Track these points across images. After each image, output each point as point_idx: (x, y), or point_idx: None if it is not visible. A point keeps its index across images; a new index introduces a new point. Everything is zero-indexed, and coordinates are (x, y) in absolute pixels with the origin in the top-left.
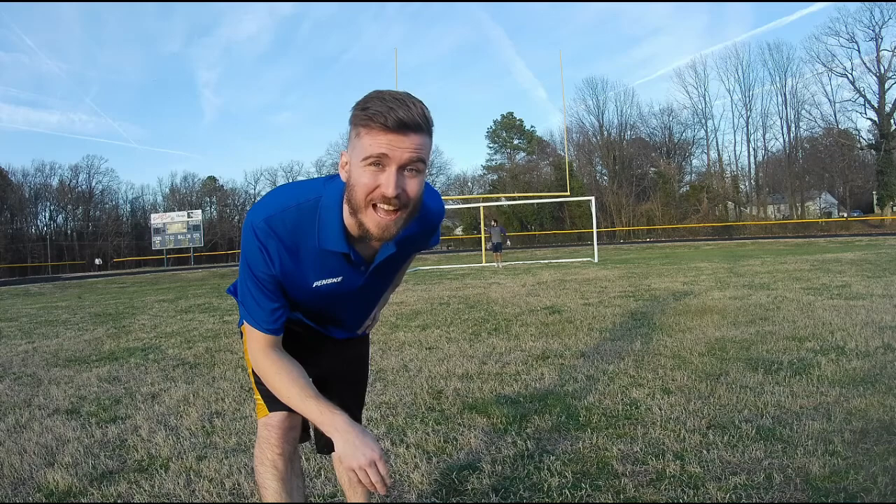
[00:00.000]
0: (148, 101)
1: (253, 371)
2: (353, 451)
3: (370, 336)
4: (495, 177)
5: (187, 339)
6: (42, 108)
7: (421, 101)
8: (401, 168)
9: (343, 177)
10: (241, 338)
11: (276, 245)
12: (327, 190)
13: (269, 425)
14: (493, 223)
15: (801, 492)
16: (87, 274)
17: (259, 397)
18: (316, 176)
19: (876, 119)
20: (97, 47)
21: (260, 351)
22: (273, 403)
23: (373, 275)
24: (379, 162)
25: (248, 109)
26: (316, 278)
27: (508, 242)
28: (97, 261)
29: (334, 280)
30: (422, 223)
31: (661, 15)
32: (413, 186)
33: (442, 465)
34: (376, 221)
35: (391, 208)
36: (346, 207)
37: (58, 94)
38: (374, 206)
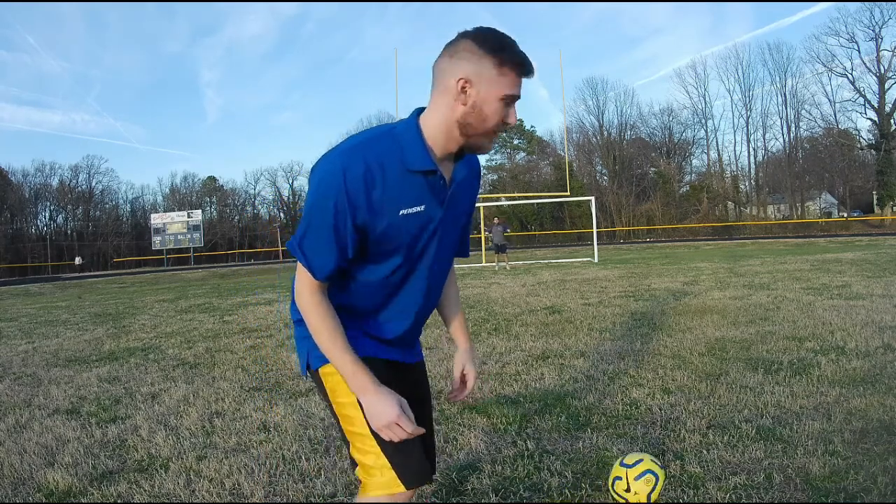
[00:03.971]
0: (150, 101)
1: (364, 420)
2: (377, 413)
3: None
4: (495, 177)
5: (187, 339)
6: (44, 108)
7: None
8: None
9: (464, 101)
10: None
11: (361, 172)
12: (398, 123)
13: (397, 499)
14: (495, 221)
15: (801, 492)
16: (86, 274)
17: (384, 461)
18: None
19: (876, 119)
20: (100, 47)
21: (310, 291)
22: (410, 477)
23: (450, 203)
24: (512, 101)
25: (249, 109)
26: (403, 205)
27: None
28: (77, 260)
29: (418, 208)
30: (470, 160)
31: (661, 15)
32: None
33: (442, 465)
34: (491, 140)
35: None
36: (443, 130)
37: (60, 93)
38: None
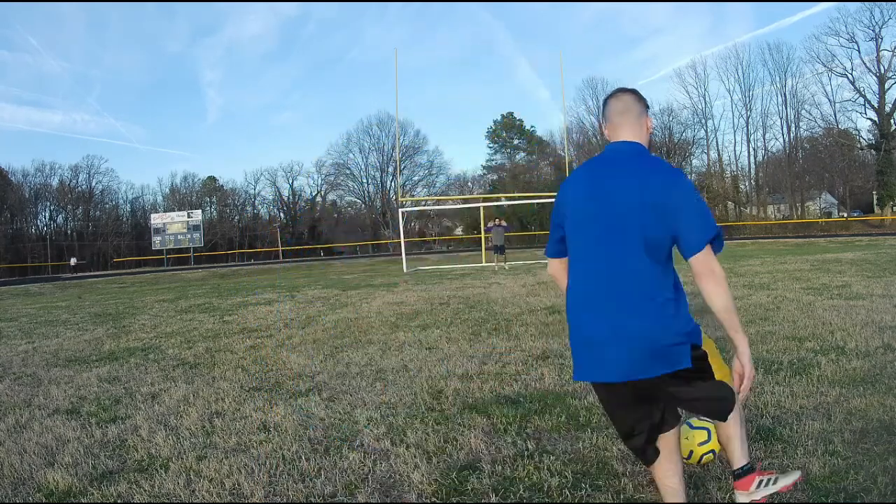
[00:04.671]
0: (151, 101)
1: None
2: (748, 352)
3: None
4: (495, 177)
5: (187, 339)
6: (45, 108)
7: None
8: None
9: (650, 131)
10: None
11: None
12: (639, 147)
13: None
14: (495, 221)
15: (801, 492)
16: (86, 274)
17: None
18: (316, 175)
19: (876, 119)
20: (100, 47)
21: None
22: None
23: None
24: None
25: (249, 109)
26: None
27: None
28: (72, 261)
29: None
30: None
31: (661, 15)
32: None
33: (442, 465)
34: None
35: None
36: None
37: (60, 93)
38: None
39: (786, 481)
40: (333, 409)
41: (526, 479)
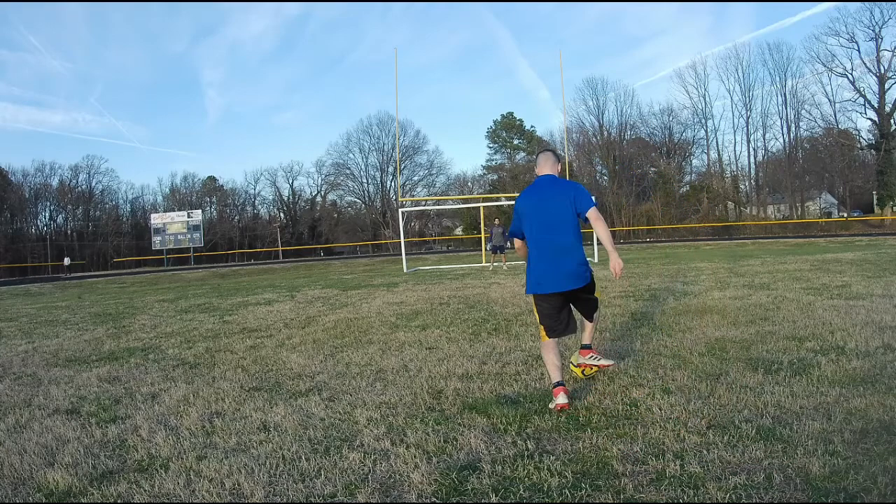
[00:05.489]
0: (152, 100)
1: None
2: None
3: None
4: (495, 177)
5: (187, 339)
6: (46, 108)
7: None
8: None
9: (558, 171)
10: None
11: None
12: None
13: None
14: (495, 223)
15: (801, 492)
16: (87, 274)
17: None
18: (316, 175)
19: (876, 119)
20: (103, 46)
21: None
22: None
23: None
24: None
25: (251, 109)
26: None
27: (509, 244)
28: (66, 261)
29: None
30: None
31: (664, 16)
32: None
33: (442, 465)
34: None
35: None
36: None
37: (62, 93)
38: None
39: (605, 361)
40: (333, 409)
41: (526, 479)
